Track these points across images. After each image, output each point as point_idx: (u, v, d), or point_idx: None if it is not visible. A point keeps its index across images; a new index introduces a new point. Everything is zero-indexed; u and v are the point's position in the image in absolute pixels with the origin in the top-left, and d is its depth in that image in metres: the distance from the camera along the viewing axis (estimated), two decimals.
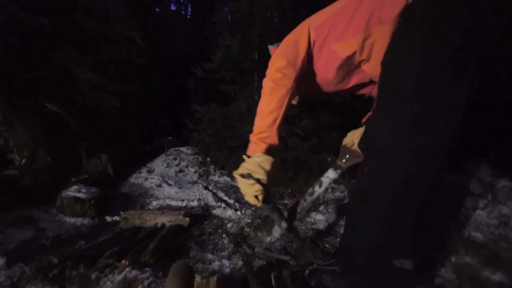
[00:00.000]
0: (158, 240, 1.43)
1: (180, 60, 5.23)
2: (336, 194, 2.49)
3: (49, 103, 2.11)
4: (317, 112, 2.83)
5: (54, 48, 2.38)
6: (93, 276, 0.98)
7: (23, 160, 1.65)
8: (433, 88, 0.83)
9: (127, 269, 1.04)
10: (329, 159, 2.75)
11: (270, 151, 1.02)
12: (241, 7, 2.84)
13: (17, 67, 1.96)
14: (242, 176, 1.00)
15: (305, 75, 1.11)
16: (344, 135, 1.37)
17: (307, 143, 2.63)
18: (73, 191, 1.71)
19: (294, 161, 2.69)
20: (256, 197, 1.01)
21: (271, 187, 2.57)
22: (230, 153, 2.91)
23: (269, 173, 1.00)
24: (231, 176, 2.78)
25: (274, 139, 1.02)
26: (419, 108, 0.83)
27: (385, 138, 0.90)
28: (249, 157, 1.03)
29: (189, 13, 7.73)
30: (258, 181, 0.99)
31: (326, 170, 1.45)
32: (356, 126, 1.36)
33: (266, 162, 0.99)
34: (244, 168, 1.01)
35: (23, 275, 0.92)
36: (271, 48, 1.21)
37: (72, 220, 1.57)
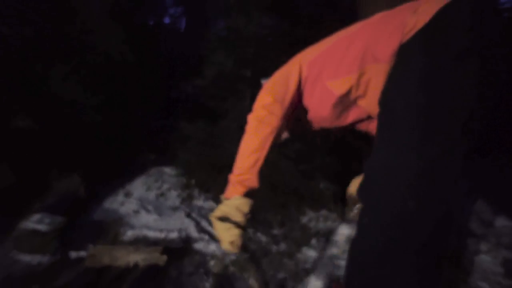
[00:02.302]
0: (129, 285, 1.23)
1: (171, 73, 5.14)
2: (328, 224, 2.36)
3: (18, 117, 1.91)
4: (310, 135, 2.75)
5: (30, 58, 2.20)
6: None
7: None
8: (442, 132, 0.73)
9: None
10: (321, 185, 2.64)
11: (249, 193, 0.95)
12: (236, 25, 2.79)
13: None
14: (220, 219, 0.90)
15: (298, 112, 1.03)
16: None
17: (299, 167, 2.52)
18: (33, 222, 1.49)
19: (285, 187, 2.57)
20: (233, 242, 0.90)
21: (260, 213, 2.42)
22: (218, 174, 2.75)
23: (247, 216, 0.93)
24: (216, 200, 2.61)
25: (254, 182, 0.94)
26: (426, 155, 0.73)
27: (389, 191, 0.79)
28: (226, 199, 0.95)
29: (183, 26, 7.73)
30: (236, 224, 0.89)
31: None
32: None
33: (245, 205, 0.92)
34: (221, 210, 0.93)
35: None
36: (263, 82, 1.12)
37: (28, 258, 1.34)
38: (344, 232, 1.05)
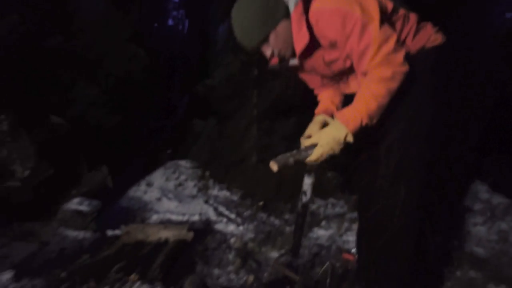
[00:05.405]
0: (164, 255, 1.41)
1: (178, 73, 5.33)
2: (336, 209, 2.50)
3: (54, 116, 2.11)
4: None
5: (57, 64, 2.40)
6: None
7: (26, 172, 1.62)
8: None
9: (137, 283, 1.02)
10: (329, 174, 2.79)
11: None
12: None
13: (23, 81, 1.97)
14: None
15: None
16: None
17: None
18: (75, 204, 1.68)
19: (293, 179, 2.72)
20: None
21: (271, 203, 2.57)
22: (230, 168, 2.92)
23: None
24: (230, 190, 2.78)
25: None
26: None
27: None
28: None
29: (186, 28, 7.90)
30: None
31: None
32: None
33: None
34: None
35: None
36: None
37: (74, 233, 1.54)
38: (307, 182, 1.16)
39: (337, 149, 0.92)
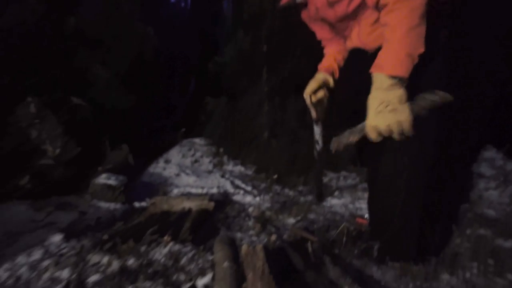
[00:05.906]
0: (190, 222, 1.53)
1: (182, 54, 5.32)
2: (348, 181, 2.57)
3: (75, 98, 2.20)
4: (328, 103, 2.91)
5: (73, 48, 2.46)
6: (142, 249, 1.08)
7: (57, 150, 1.74)
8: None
9: (170, 244, 1.14)
10: None
11: None
12: (252, 2, 2.90)
13: (45, 65, 2.05)
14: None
15: None
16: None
17: None
18: (103, 179, 1.81)
19: (305, 153, 2.78)
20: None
21: (284, 177, 2.65)
22: (243, 144, 3.00)
23: None
24: (244, 166, 2.88)
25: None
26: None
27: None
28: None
29: (188, 5, 7.70)
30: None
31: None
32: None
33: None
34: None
35: (83, 248, 1.02)
36: None
37: (106, 205, 1.67)
38: (317, 131, 1.21)
39: (390, 98, 0.83)
